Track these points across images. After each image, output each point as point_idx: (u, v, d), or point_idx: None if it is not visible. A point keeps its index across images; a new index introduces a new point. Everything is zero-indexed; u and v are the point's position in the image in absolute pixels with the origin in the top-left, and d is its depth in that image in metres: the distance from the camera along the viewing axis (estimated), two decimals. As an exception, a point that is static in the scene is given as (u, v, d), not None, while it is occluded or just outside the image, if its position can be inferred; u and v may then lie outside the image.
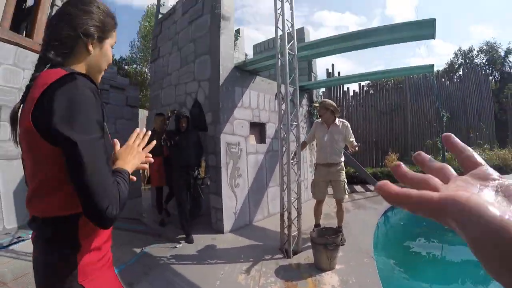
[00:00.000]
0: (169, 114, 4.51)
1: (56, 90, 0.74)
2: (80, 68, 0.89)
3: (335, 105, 3.87)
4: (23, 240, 3.78)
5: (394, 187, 0.25)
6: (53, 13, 5.46)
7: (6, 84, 4.22)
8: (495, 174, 0.26)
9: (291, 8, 4.03)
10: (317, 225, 3.80)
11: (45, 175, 0.78)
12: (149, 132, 1.05)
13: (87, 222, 0.76)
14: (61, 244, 0.80)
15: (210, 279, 2.84)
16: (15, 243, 3.71)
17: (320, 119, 3.88)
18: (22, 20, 5.77)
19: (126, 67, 15.59)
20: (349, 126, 3.83)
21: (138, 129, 1.05)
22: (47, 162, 0.77)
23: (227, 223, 4.19)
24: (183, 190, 3.92)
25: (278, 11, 3.94)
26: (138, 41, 16.87)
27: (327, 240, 2.93)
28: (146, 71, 15.16)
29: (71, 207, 0.78)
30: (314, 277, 2.84)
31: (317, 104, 4.34)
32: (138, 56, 16.60)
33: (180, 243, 3.76)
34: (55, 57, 0.84)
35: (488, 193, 0.23)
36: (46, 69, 0.84)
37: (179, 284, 2.77)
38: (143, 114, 9.09)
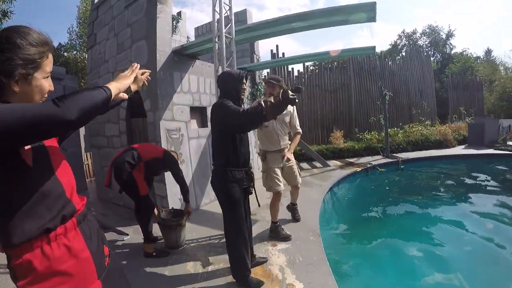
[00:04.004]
0: None
1: None
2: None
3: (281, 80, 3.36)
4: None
5: None
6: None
7: None
8: None
9: (229, -9, 4.04)
10: (275, 222, 3.32)
11: None
12: (138, 65, 1.20)
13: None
14: None
15: (160, 268, 2.81)
16: None
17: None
18: None
19: (65, 54, 14.41)
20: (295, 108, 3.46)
21: (135, 64, 1.19)
22: None
23: (174, 210, 4.17)
24: (243, 209, 2.37)
25: (215, -6, 3.94)
26: (76, 27, 15.63)
27: (172, 222, 3.18)
28: (87, 57, 14.27)
29: None
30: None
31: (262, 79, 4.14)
32: (78, 42, 15.44)
33: (127, 234, 3.60)
34: None
35: None
36: None
37: (127, 274, 2.73)
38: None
